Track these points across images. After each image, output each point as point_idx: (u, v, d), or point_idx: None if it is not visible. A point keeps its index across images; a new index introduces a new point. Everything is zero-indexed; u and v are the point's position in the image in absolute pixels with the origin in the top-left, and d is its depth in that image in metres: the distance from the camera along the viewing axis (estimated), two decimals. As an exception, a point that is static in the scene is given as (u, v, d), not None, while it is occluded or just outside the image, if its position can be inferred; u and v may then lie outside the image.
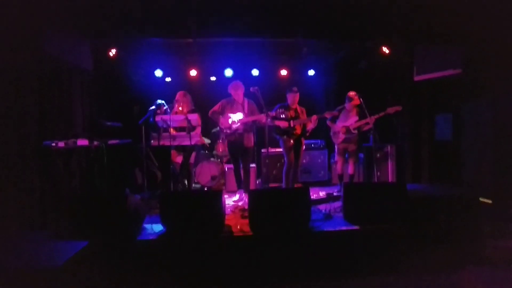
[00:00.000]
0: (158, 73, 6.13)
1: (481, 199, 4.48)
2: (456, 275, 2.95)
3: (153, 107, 4.42)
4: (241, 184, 4.81)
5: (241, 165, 4.77)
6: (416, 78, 5.36)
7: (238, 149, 4.68)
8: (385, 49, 5.25)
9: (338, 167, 5.26)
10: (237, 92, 4.62)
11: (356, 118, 4.93)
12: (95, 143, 4.09)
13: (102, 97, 5.25)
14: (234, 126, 4.59)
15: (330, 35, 4.56)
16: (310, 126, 4.89)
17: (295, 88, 4.85)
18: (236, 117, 4.62)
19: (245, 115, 4.60)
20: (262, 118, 4.47)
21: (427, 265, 3.08)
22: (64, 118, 4.14)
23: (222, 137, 4.84)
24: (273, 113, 4.55)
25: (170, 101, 4.58)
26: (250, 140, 4.70)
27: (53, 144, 3.59)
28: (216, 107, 4.70)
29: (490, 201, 4.68)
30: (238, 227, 3.46)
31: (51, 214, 3.43)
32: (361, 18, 4.13)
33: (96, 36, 4.08)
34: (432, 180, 5.46)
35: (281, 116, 4.70)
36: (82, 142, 3.93)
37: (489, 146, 4.87)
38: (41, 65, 3.60)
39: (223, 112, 4.66)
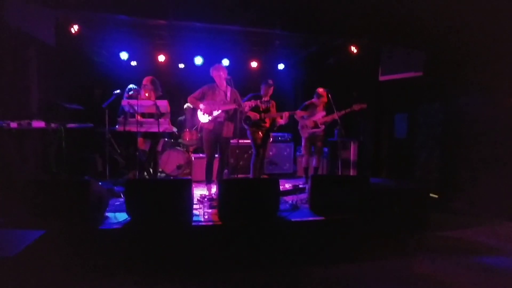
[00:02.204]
0: (124, 55, 5.83)
1: (430, 194, 4.89)
2: (408, 261, 3.19)
3: (118, 90, 4.20)
4: (211, 180, 4.47)
5: (218, 157, 4.46)
6: (381, 78, 5.66)
7: (216, 139, 4.38)
8: (354, 48, 5.45)
9: (304, 160, 5.41)
10: (220, 73, 4.31)
11: (324, 113, 5.12)
12: (53, 125, 3.80)
13: (62, 76, 4.85)
14: (215, 113, 4.32)
15: (304, 30, 4.62)
16: (281, 122, 4.95)
17: (271, 81, 4.86)
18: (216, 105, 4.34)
19: (228, 102, 4.35)
20: (246, 106, 4.35)
21: (384, 252, 3.30)
22: (18, 96, 3.76)
23: (200, 126, 4.47)
24: (250, 103, 4.46)
25: (137, 86, 4.37)
26: (230, 130, 4.42)
27: (5, 124, 3.28)
28: (196, 93, 4.37)
29: (436, 196, 5.12)
30: (207, 216, 3.43)
31: (2, 199, 3.13)
32: (334, 15, 4.25)
33: (60, 7, 3.70)
34: (390, 175, 5.83)
35: (262, 106, 4.65)
36: (38, 123, 3.63)
37: (438, 145, 5.31)
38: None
39: (203, 98, 4.36)
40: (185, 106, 6.07)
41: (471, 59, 4.61)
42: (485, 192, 4.53)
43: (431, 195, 5.01)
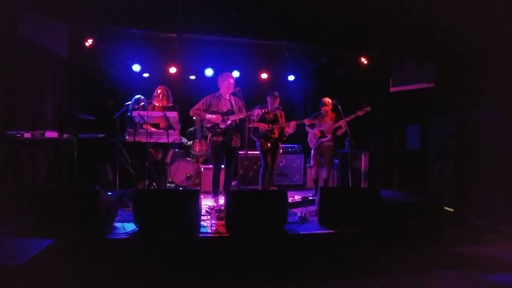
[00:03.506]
0: (136, 67, 5.96)
1: (445, 208, 4.73)
2: (421, 278, 3.06)
3: (130, 102, 4.27)
4: (218, 191, 4.46)
5: (224, 168, 4.45)
6: (392, 89, 5.59)
7: (224, 150, 4.34)
8: (364, 59, 5.43)
9: (314, 171, 5.35)
10: (230, 80, 4.28)
11: (331, 122, 5.09)
12: (65, 135, 3.88)
13: (75, 88, 4.99)
14: (227, 123, 4.26)
15: (314, 41, 4.63)
16: (288, 131, 4.93)
17: (276, 92, 4.87)
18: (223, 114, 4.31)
19: (236, 112, 4.32)
20: (254, 114, 4.33)
21: (396, 268, 3.18)
22: (32, 107, 3.87)
23: (209, 136, 4.40)
24: (255, 112, 4.44)
25: (147, 97, 4.44)
26: (238, 140, 4.41)
27: (18, 135, 3.36)
28: (199, 104, 4.35)
29: (452, 209, 4.96)
30: (214, 227, 3.41)
31: (14, 208, 3.19)
32: (344, 27, 4.25)
33: (74, 21, 3.84)
34: (401, 187, 5.69)
35: (269, 116, 4.66)
36: (51, 134, 3.72)
37: (452, 157, 5.17)
38: (11, 45, 3.33)
39: (208, 109, 4.33)
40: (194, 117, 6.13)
41: (484, 68, 4.51)
42: (502, 206, 4.35)
43: (446, 208, 4.85)
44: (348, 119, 4.84)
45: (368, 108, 4.83)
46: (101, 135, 4.63)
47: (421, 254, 3.39)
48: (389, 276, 3.08)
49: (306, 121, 5.03)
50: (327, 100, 5.13)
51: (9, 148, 3.34)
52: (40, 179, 3.69)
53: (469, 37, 4.28)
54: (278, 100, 4.86)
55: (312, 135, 5.20)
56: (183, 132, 6.19)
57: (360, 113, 4.84)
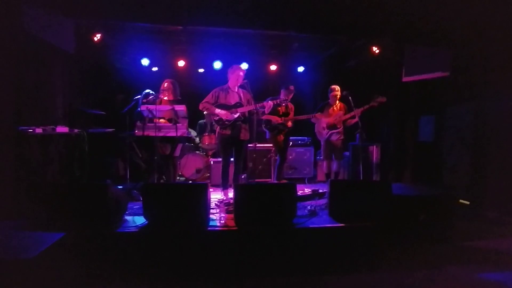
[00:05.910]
0: (145, 61, 5.98)
1: (460, 201, 4.61)
2: (432, 274, 3.00)
3: (139, 96, 4.29)
4: (227, 185, 4.43)
5: (234, 161, 4.40)
6: (405, 79, 5.43)
7: (232, 143, 4.29)
8: (375, 49, 5.28)
9: (325, 165, 5.27)
10: (239, 73, 4.20)
11: (341, 113, 4.99)
12: (76, 130, 3.94)
13: (85, 83, 5.04)
14: (235, 116, 4.20)
15: (323, 31, 4.52)
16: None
17: (292, 87, 4.80)
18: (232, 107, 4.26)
19: (245, 104, 4.26)
20: (265, 106, 4.28)
21: (407, 263, 3.12)
22: (43, 103, 3.93)
23: (218, 129, 4.36)
24: (267, 104, 4.35)
25: (156, 91, 4.45)
26: (246, 133, 4.34)
27: (30, 130, 3.42)
28: (208, 97, 4.29)
29: (468, 202, 4.82)
30: (223, 221, 3.40)
31: (26, 202, 3.25)
32: (353, 15, 4.12)
33: (81, 17, 3.85)
34: (414, 180, 5.57)
35: (281, 109, 4.60)
36: (62, 129, 3.78)
37: (468, 149, 5.01)
38: (19, 43, 3.37)
39: (216, 102, 4.27)
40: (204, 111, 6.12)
41: (501, 57, 4.32)
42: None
43: (461, 201, 4.73)
44: (363, 109, 4.71)
45: (384, 99, 4.69)
46: (111, 130, 4.68)
47: (434, 249, 3.32)
48: (401, 272, 3.02)
49: (318, 116, 4.95)
50: (336, 86, 5.00)
51: (21, 143, 3.40)
52: (51, 174, 3.75)
53: (486, 24, 4.09)
54: (291, 95, 4.78)
55: (321, 126, 5.11)
56: (193, 126, 6.21)
57: (375, 103, 4.70)
